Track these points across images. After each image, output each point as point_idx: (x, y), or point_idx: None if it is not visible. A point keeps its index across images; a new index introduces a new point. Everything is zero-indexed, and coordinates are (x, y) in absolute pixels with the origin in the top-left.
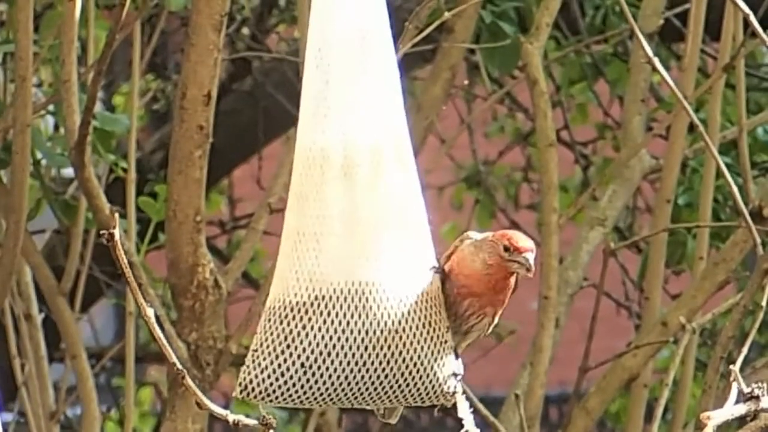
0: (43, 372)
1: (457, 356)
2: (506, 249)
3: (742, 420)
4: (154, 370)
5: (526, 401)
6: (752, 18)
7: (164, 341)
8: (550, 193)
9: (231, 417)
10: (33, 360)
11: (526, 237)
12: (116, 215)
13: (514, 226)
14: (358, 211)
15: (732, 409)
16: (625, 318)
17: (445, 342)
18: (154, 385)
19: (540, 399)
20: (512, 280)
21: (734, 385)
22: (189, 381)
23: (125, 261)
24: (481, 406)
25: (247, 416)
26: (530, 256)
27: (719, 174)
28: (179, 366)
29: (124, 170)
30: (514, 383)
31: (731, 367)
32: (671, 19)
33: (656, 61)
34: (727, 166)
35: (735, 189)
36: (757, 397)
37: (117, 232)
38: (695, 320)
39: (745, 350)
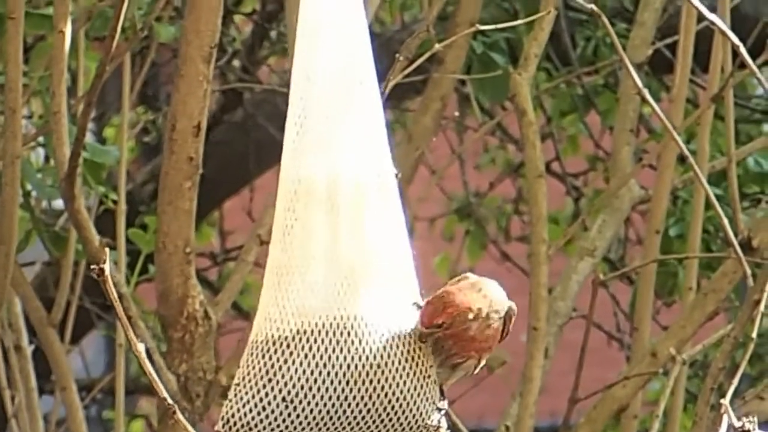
0: (33, 404)
1: (442, 392)
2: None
3: None
4: (144, 403)
5: None
6: (741, 48)
7: (155, 376)
8: (539, 224)
9: None
10: (23, 392)
11: (442, 305)
12: (106, 248)
13: (505, 257)
14: (342, 246)
15: None
16: (616, 349)
17: (429, 377)
18: (145, 418)
19: (530, 430)
20: (497, 327)
21: (725, 418)
22: (180, 415)
23: (115, 295)
24: None
25: None
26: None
27: (709, 205)
28: (170, 401)
29: (115, 202)
30: (504, 414)
31: (722, 399)
32: (661, 50)
33: (645, 91)
34: (718, 197)
35: (725, 220)
36: (748, 431)
37: (107, 266)
38: (685, 351)
39: (735, 382)
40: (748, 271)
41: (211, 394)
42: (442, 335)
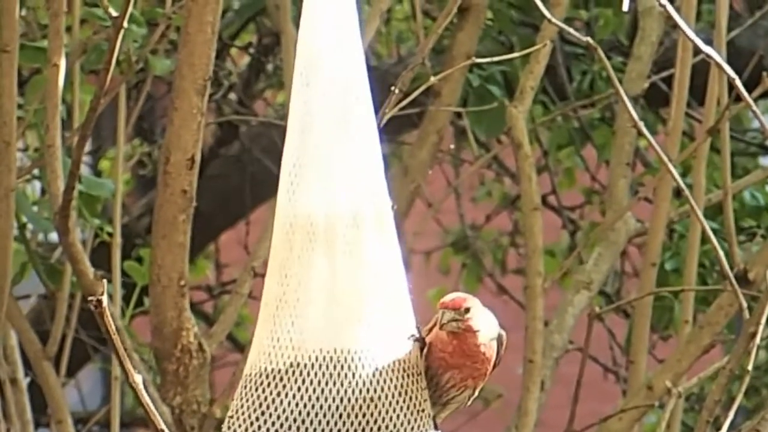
0: None
1: (435, 426)
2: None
3: None
4: None
5: None
6: (737, 81)
7: (152, 407)
8: (534, 257)
9: None
10: (19, 425)
11: (457, 295)
12: (104, 281)
13: (502, 290)
14: (338, 279)
15: None
16: (612, 383)
17: (423, 411)
18: None
19: None
20: (489, 350)
21: None
22: None
23: (113, 327)
24: None
25: None
26: (446, 314)
27: (705, 238)
28: None
29: (110, 234)
30: None
31: None
32: (657, 83)
33: (642, 124)
34: (714, 230)
35: (721, 253)
36: None
37: (104, 299)
38: (681, 384)
39: (732, 415)
40: (744, 304)
41: (205, 427)
42: (451, 361)
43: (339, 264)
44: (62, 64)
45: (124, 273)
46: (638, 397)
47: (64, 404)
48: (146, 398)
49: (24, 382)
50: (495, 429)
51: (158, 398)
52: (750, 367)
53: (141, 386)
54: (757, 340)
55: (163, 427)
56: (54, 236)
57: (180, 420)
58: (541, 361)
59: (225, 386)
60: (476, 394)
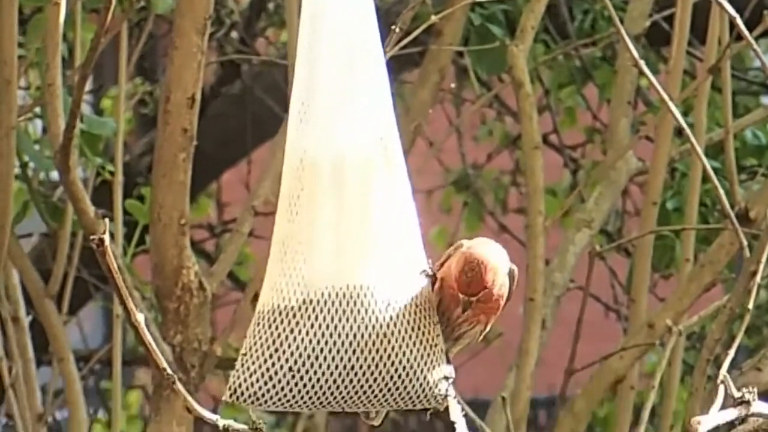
0: (30, 375)
1: (448, 360)
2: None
3: (730, 423)
4: (141, 373)
5: (512, 404)
6: (738, 20)
7: (154, 346)
8: (536, 196)
9: (221, 422)
10: (20, 363)
11: (473, 275)
12: (106, 220)
13: (503, 229)
14: (349, 217)
15: (721, 414)
16: (613, 322)
17: (436, 345)
18: (142, 388)
19: (526, 401)
20: (504, 287)
21: (721, 388)
22: (179, 386)
23: (114, 266)
24: (468, 410)
25: (236, 420)
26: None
27: (706, 177)
28: (169, 371)
29: (112, 173)
30: (501, 387)
31: (720, 371)
32: (659, 22)
33: (642, 63)
34: (715, 169)
35: (722, 192)
36: (747, 402)
37: (106, 237)
38: (682, 323)
39: (732, 353)
40: (745, 243)
41: (206, 365)
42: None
43: (349, 202)
44: (63, 2)
45: (125, 211)
46: (639, 336)
47: (65, 342)
48: (147, 336)
49: (26, 320)
50: (497, 369)
51: (159, 337)
52: (751, 306)
53: (142, 325)
54: (758, 278)
55: (164, 365)
56: (55, 175)
57: (181, 358)
58: (542, 300)
59: (226, 325)
60: (488, 329)
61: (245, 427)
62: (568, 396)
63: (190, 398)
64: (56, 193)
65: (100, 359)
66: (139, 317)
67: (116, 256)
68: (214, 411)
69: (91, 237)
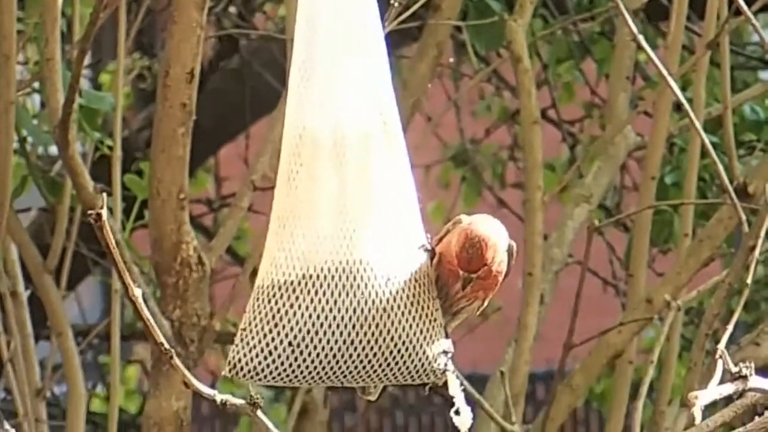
0: (29, 349)
1: (447, 335)
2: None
3: (728, 398)
4: (140, 348)
5: (511, 378)
6: None
7: (151, 321)
8: (534, 171)
9: (218, 397)
10: (19, 337)
11: (473, 252)
12: (104, 195)
13: (501, 204)
14: (348, 192)
15: (719, 389)
16: (612, 297)
17: (435, 320)
18: (140, 363)
19: (525, 376)
20: (505, 264)
21: (719, 363)
22: (177, 361)
23: (112, 241)
24: (467, 384)
25: (233, 395)
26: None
27: (705, 152)
28: (167, 346)
29: (110, 148)
30: (500, 361)
31: (718, 346)
32: None
33: (641, 38)
34: (713, 144)
35: (720, 167)
36: (745, 377)
37: (104, 212)
38: (680, 298)
39: (730, 328)
40: (744, 218)
41: (205, 340)
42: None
43: (348, 176)
44: None
45: (124, 186)
46: (637, 311)
47: (64, 317)
48: (146, 312)
49: (24, 295)
50: (495, 343)
51: (158, 311)
52: (749, 281)
53: (140, 300)
54: (756, 253)
55: (163, 340)
56: (54, 149)
57: (179, 333)
58: (541, 274)
59: (224, 299)
60: (485, 304)
61: (243, 401)
62: (566, 370)
63: (188, 373)
64: (55, 167)
65: (99, 334)
66: (137, 292)
67: (115, 230)
68: (213, 386)
69: (89, 212)
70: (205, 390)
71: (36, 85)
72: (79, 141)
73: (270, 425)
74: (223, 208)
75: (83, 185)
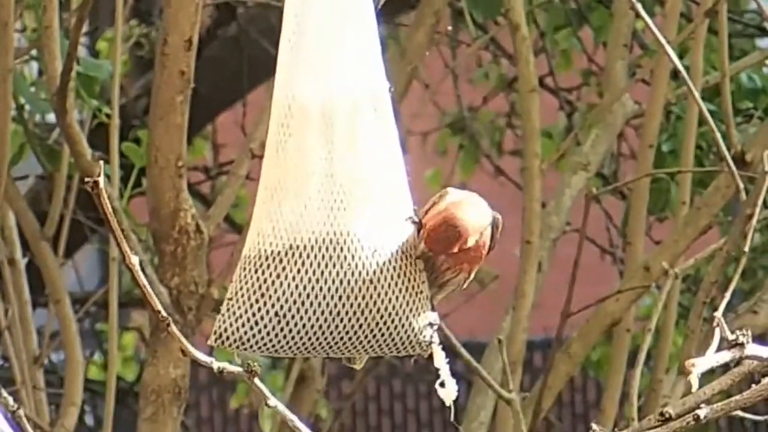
0: (26, 317)
1: (432, 307)
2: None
3: (725, 366)
4: (137, 315)
5: (508, 346)
6: None
7: (149, 289)
8: (532, 139)
9: (215, 365)
10: (16, 305)
11: (446, 237)
12: (101, 162)
13: (498, 172)
14: (336, 163)
15: (717, 357)
16: (609, 265)
17: (421, 293)
18: (138, 330)
19: (522, 344)
20: (482, 236)
21: (717, 331)
22: (174, 329)
23: (110, 209)
24: (463, 351)
25: (231, 363)
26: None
27: (702, 120)
28: (165, 314)
29: (108, 116)
30: (497, 329)
31: (715, 313)
32: None
33: (639, 6)
34: (711, 112)
35: (718, 135)
36: (742, 344)
37: (101, 180)
38: (678, 266)
39: (728, 296)
40: (741, 186)
41: (203, 308)
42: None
43: (337, 148)
44: None
45: (122, 154)
46: (635, 279)
47: (61, 285)
48: (143, 279)
49: (22, 262)
50: (493, 312)
51: (156, 279)
52: (746, 249)
53: (138, 267)
54: (754, 221)
55: (160, 308)
56: (52, 117)
57: (177, 301)
58: (539, 242)
59: (222, 267)
60: (471, 277)
61: (240, 369)
62: (563, 338)
63: (185, 341)
64: (52, 135)
65: (96, 301)
66: (134, 259)
67: (112, 198)
68: (210, 354)
69: (87, 179)
70: (203, 358)
71: (34, 52)
72: (76, 109)
73: (267, 393)
74: (220, 176)
75: (81, 153)
